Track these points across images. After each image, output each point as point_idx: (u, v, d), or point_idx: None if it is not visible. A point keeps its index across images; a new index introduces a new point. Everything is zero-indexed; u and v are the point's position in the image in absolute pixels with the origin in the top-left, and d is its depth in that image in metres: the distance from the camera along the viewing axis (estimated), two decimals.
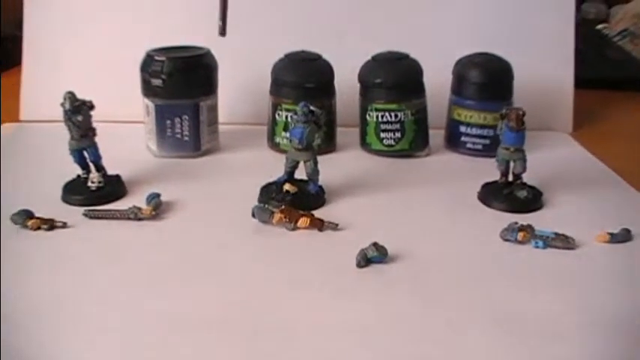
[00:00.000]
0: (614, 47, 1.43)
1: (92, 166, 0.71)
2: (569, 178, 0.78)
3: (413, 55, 0.84)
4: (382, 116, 0.82)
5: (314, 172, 0.69)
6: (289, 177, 0.70)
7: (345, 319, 0.51)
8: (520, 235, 0.62)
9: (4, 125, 0.91)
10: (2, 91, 0.98)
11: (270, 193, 0.69)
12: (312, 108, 0.68)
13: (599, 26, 1.63)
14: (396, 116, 0.82)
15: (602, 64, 1.31)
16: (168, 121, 0.80)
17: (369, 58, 0.84)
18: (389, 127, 0.82)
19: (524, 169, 0.71)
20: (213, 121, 0.83)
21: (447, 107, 0.87)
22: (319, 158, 0.70)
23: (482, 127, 0.84)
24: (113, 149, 0.72)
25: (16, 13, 1.01)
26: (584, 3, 1.79)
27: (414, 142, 0.83)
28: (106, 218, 0.65)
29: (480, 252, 0.61)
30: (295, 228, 0.64)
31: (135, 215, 0.65)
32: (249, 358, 0.46)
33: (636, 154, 0.90)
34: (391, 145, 0.83)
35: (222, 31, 0.71)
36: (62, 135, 0.69)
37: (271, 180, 0.71)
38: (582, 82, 1.00)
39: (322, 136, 0.70)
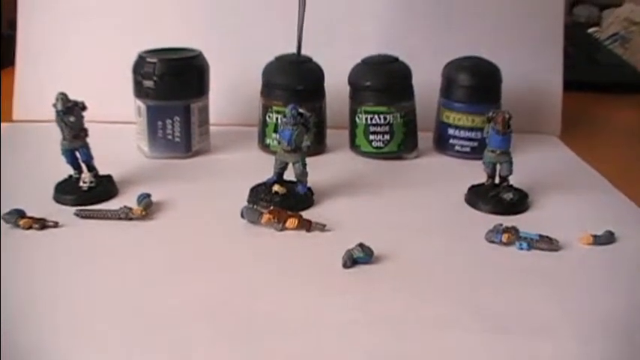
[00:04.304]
0: (604, 51, 1.44)
1: (84, 166, 0.71)
2: (555, 180, 0.79)
3: (402, 58, 0.85)
4: (371, 118, 0.83)
5: (302, 174, 0.70)
6: (278, 178, 0.71)
7: (330, 318, 0.51)
8: (505, 237, 0.63)
9: None
10: None
11: (259, 194, 0.70)
12: (300, 110, 0.69)
13: (590, 30, 1.64)
14: (385, 119, 0.83)
15: (593, 68, 1.32)
16: (160, 122, 0.81)
17: (359, 61, 0.85)
18: (378, 129, 0.83)
19: (510, 172, 0.72)
20: (204, 122, 0.84)
21: (435, 110, 0.88)
22: (309, 160, 0.71)
23: (470, 129, 0.85)
24: (105, 149, 0.72)
25: (10, 13, 1.01)
26: (575, 6, 1.80)
27: (402, 144, 0.84)
28: (97, 218, 0.66)
29: (465, 253, 0.62)
30: (283, 228, 0.65)
31: (126, 215, 0.65)
32: (236, 355, 0.47)
33: (622, 157, 0.91)
34: (380, 147, 0.84)
35: (298, 52, 0.73)
36: (55, 135, 0.69)
37: (260, 181, 0.72)
38: (572, 85, 1.01)
39: (312, 137, 0.71)
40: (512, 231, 0.63)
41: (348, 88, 0.85)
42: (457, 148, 0.86)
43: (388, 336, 0.50)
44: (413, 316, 0.52)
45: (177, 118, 0.81)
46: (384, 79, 0.83)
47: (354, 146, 0.86)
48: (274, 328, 0.50)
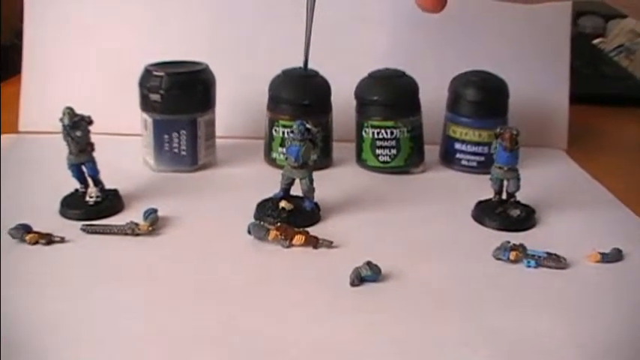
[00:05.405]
0: (609, 63, 1.44)
1: (90, 181, 0.71)
2: (562, 196, 0.79)
3: (409, 72, 0.85)
4: (378, 133, 0.83)
5: (309, 190, 0.70)
6: (285, 194, 0.71)
7: (337, 338, 0.51)
8: (512, 255, 0.63)
9: (3, 136, 0.91)
10: (2, 102, 0.98)
11: (266, 210, 0.70)
12: (308, 126, 0.68)
13: (595, 41, 1.65)
14: (391, 133, 0.82)
15: (598, 79, 1.32)
16: (166, 136, 0.81)
17: (365, 75, 0.85)
18: (384, 143, 0.83)
19: (517, 188, 0.72)
20: (211, 136, 0.84)
21: (442, 124, 0.88)
22: (315, 174, 0.71)
23: (477, 144, 0.85)
24: (111, 162, 0.72)
25: (15, 23, 1.02)
26: (581, 17, 1.81)
27: (409, 158, 0.84)
28: (104, 233, 0.66)
29: (473, 271, 0.62)
30: (290, 245, 0.64)
31: (132, 231, 0.65)
32: None
33: (629, 171, 0.91)
34: (387, 162, 0.84)
35: (305, 67, 0.74)
36: (60, 147, 0.69)
37: (267, 196, 0.71)
38: (577, 97, 1.01)
39: (318, 152, 0.71)
40: (520, 249, 0.63)
41: (354, 101, 0.85)
42: (464, 162, 0.86)
43: (396, 357, 0.49)
44: (421, 336, 0.52)
45: (183, 132, 0.81)
46: (391, 94, 0.83)
47: (360, 160, 0.86)
48: (280, 347, 0.50)
